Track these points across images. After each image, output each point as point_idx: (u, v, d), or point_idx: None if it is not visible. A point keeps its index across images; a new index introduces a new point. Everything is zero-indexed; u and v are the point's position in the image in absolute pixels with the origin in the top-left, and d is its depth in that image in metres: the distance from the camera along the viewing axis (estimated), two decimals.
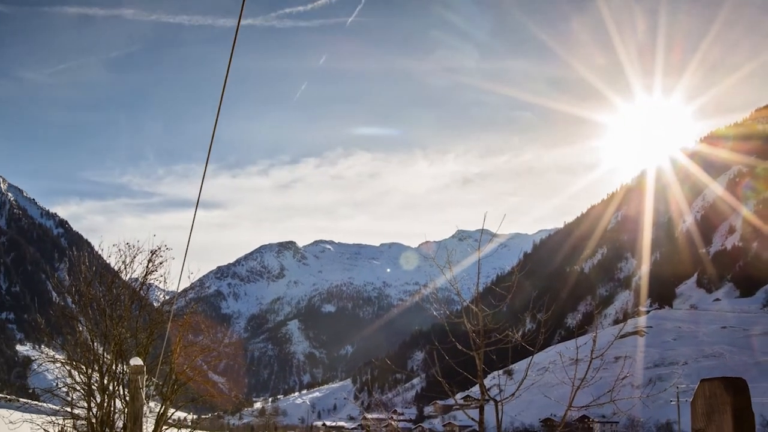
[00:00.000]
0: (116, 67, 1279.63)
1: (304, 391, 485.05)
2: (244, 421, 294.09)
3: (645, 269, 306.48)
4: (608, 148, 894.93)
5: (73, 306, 22.14)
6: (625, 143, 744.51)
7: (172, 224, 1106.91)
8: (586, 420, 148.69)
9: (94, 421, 19.76)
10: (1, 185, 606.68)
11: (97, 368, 19.93)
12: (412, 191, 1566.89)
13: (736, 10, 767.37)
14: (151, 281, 22.20)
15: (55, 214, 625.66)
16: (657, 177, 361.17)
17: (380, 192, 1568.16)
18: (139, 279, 21.73)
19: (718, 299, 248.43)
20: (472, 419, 9.50)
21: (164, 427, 21.03)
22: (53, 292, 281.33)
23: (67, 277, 25.79)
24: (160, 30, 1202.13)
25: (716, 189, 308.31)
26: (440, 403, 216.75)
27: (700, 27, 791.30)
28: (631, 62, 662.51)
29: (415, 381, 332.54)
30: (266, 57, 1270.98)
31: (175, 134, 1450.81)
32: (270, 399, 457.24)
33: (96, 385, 19.86)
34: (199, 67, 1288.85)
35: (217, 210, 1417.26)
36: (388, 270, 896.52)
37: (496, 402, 8.85)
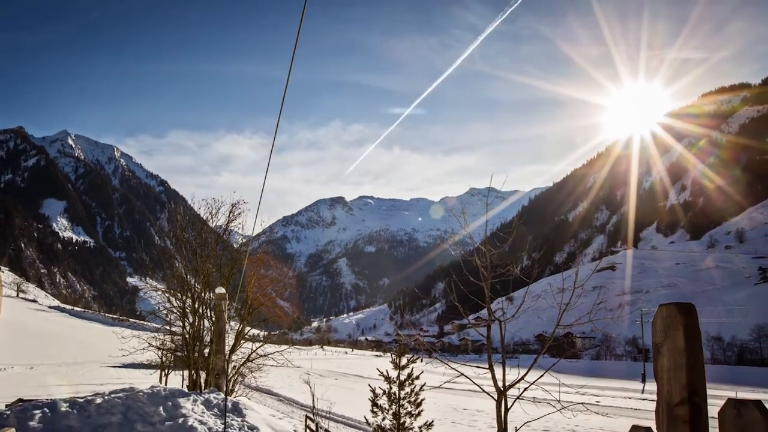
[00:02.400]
0: None
1: (351, 314, 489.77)
2: (304, 336, 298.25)
3: (616, 219, 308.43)
4: (590, 124, 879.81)
5: (171, 247, 22.31)
6: (602, 118, 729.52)
7: None
8: (570, 335, 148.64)
9: (187, 336, 20.00)
10: (116, 153, 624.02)
11: (189, 295, 20.10)
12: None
13: (699, 22, 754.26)
14: (232, 228, 22.26)
15: (157, 175, 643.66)
16: (627, 147, 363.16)
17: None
18: (223, 226, 21.78)
19: (673, 242, 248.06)
20: (481, 335, 9.48)
21: (242, 341, 21.27)
22: (155, 236, 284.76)
23: (166, 225, 26.00)
24: None
25: (671, 157, 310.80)
26: (457, 322, 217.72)
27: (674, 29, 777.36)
28: (619, 54, 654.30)
29: (437, 305, 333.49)
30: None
31: None
32: (324, 319, 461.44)
33: (189, 308, 20.04)
34: None
35: None
36: (420, 219, 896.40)
37: (500, 321, 8.79)
